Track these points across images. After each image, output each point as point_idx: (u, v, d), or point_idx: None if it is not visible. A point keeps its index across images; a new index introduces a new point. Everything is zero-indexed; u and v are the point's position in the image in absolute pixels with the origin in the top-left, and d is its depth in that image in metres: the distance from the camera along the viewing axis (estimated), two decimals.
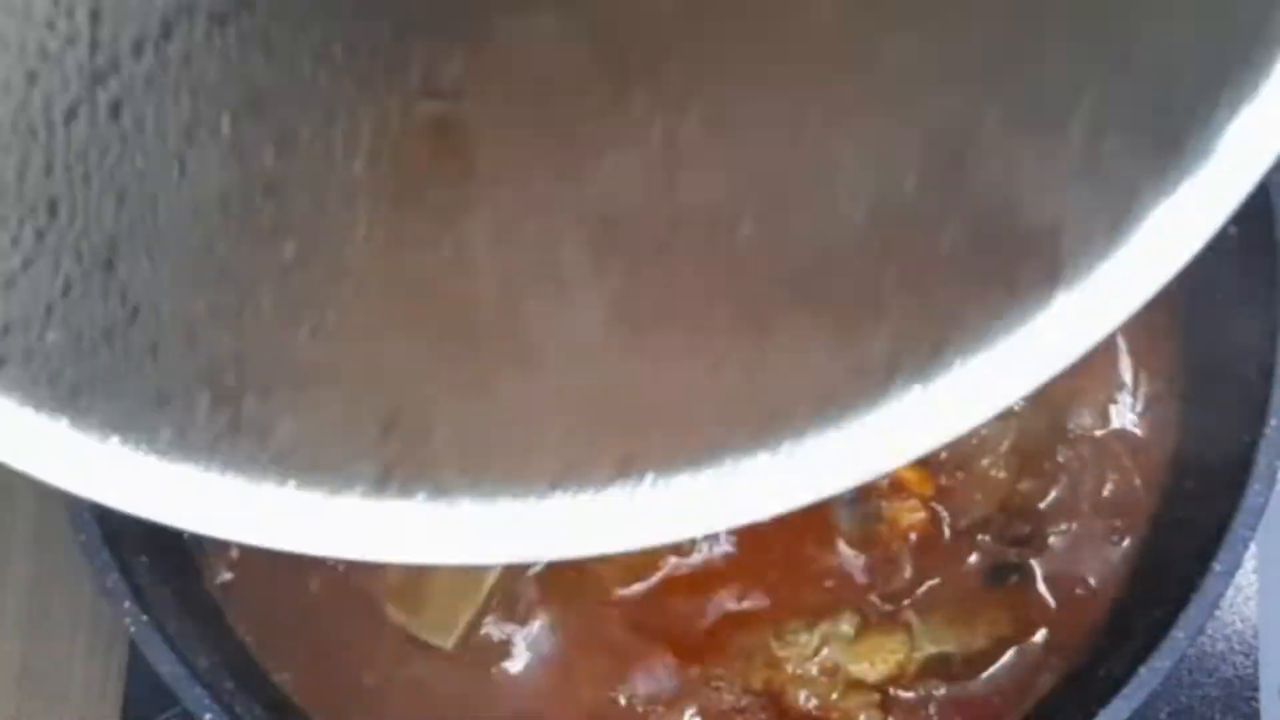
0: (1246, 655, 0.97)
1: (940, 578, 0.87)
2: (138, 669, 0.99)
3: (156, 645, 0.78)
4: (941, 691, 0.86)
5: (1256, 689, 0.96)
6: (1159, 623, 0.79)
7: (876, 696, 0.85)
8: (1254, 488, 0.79)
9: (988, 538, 0.87)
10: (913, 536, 0.87)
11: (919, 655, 0.85)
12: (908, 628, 0.85)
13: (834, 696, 0.84)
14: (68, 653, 1.02)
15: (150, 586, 0.82)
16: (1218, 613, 0.82)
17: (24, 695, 1.02)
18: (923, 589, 0.87)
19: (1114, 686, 0.78)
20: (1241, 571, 0.79)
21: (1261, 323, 0.83)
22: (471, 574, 0.86)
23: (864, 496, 0.87)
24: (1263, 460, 0.79)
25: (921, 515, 0.87)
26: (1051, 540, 0.88)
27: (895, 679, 0.85)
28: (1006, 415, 0.87)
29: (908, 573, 0.86)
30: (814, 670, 0.85)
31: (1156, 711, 0.96)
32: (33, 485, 1.16)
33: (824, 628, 0.85)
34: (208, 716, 0.77)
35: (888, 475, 0.87)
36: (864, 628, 0.86)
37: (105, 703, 1.00)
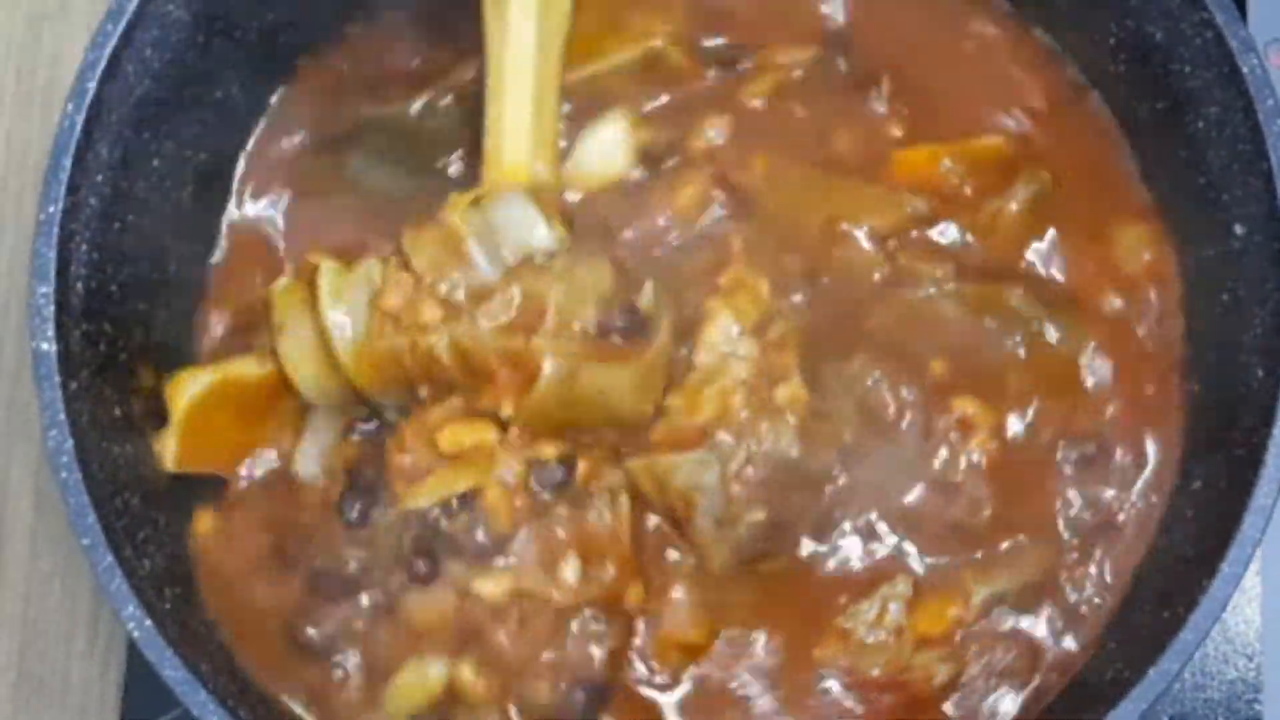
0: (1250, 659, 0.97)
1: None
2: (136, 672, 0.98)
3: (160, 650, 0.77)
4: (1009, 624, 0.86)
5: (1260, 691, 0.96)
6: (1167, 624, 0.79)
7: (946, 649, 0.86)
8: (1262, 489, 0.79)
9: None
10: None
11: (976, 601, 0.86)
12: (960, 584, 0.86)
13: (906, 657, 0.85)
14: (65, 655, 1.01)
15: (153, 591, 0.81)
16: (1221, 615, 0.81)
17: (20, 698, 1.01)
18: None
19: (1122, 689, 0.77)
20: (1245, 574, 0.79)
21: (1269, 323, 0.83)
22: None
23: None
24: (1271, 461, 0.79)
25: None
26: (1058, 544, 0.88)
27: (961, 622, 0.86)
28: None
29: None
30: (882, 635, 0.85)
31: (1160, 714, 0.96)
32: (30, 488, 1.15)
33: (883, 590, 0.86)
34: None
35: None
36: (919, 588, 0.86)
37: (104, 706, 1.00)
